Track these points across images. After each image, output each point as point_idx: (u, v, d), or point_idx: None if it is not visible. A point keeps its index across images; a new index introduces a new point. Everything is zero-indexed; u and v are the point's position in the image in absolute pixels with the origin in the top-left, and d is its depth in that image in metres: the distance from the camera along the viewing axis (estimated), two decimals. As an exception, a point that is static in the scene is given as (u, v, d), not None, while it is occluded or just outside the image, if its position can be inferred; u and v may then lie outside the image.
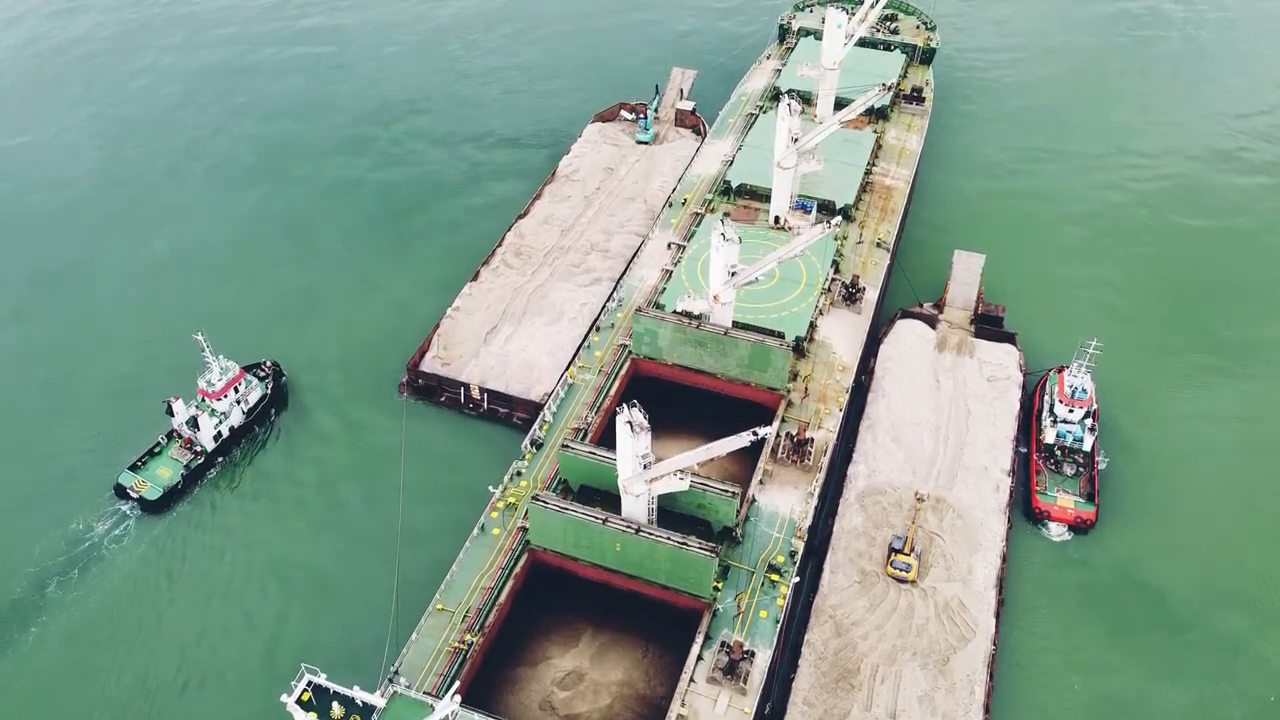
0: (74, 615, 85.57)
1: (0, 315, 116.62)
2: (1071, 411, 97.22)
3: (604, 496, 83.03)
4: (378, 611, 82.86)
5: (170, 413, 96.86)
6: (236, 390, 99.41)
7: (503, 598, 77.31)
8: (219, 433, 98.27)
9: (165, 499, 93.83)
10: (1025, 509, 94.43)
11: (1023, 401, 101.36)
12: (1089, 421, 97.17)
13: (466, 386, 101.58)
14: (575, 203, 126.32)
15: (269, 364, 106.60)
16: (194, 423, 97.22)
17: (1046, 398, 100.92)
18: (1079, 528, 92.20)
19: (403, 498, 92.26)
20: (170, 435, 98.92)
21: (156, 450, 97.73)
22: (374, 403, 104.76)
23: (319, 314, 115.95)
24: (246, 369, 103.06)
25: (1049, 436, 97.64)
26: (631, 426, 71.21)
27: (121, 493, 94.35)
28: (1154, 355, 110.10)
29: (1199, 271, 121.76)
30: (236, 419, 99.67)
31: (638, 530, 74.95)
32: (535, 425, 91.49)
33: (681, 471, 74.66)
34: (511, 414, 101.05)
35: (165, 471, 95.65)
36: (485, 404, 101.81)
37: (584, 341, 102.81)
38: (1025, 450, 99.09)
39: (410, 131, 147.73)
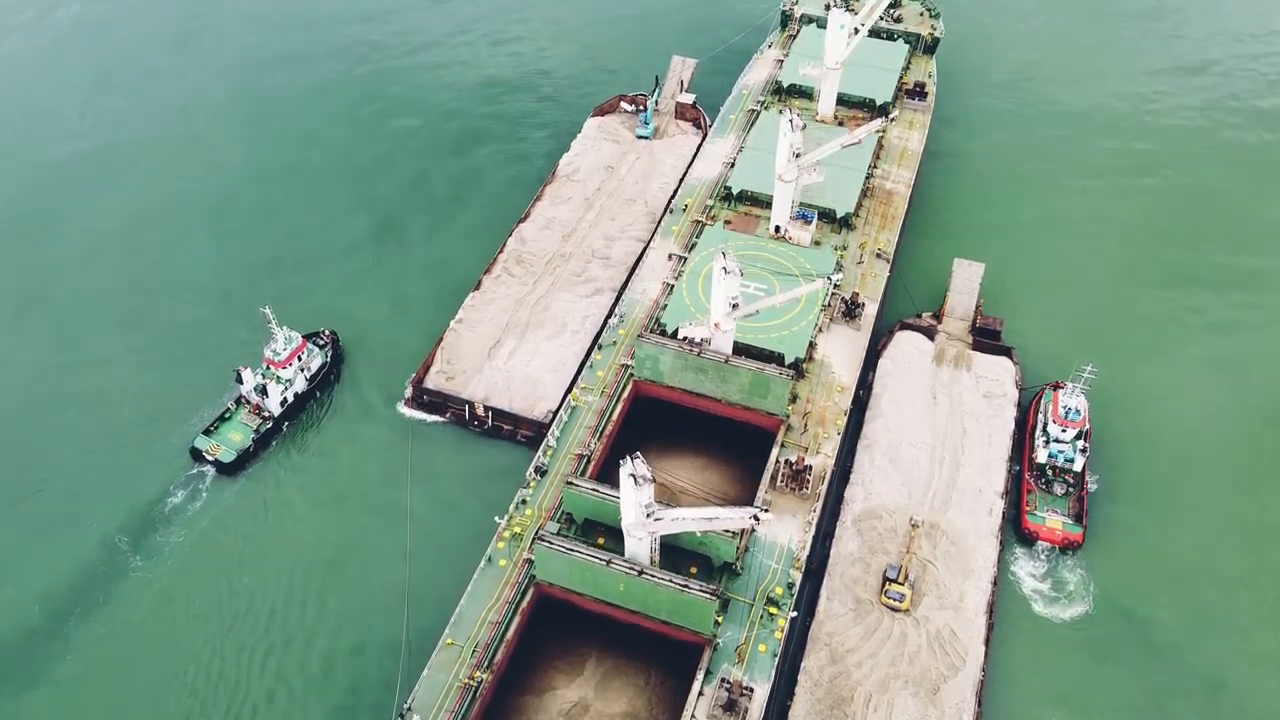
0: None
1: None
2: (1064, 431, 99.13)
3: (607, 529, 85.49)
4: (390, 635, 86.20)
5: (240, 380, 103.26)
6: (300, 359, 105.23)
7: (510, 633, 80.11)
8: (285, 399, 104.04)
9: (239, 461, 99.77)
10: (1016, 529, 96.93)
11: (1018, 418, 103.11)
12: (1080, 442, 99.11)
13: (471, 404, 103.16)
14: (575, 205, 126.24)
15: (327, 333, 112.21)
16: (262, 390, 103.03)
17: (1041, 416, 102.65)
18: (1067, 548, 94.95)
19: (410, 522, 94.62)
20: (238, 401, 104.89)
21: (226, 416, 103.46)
22: (382, 415, 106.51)
23: (324, 320, 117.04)
24: (306, 337, 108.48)
25: (1041, 456, 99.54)
26: (635, 479, 73.04)
27: (197, 455, 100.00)
28: (1153, 371, 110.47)
29: (1206, 284, 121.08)
30: (300, 386, 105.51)
31: (640, 572, 77.34)
32: (539, 451, 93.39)
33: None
34: (516, 431, 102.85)
35: (236, 435, 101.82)
36: (490, 421, 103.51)
37: (586, 360, 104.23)
38: (1018, 468, 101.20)
39: (409, 129, 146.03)
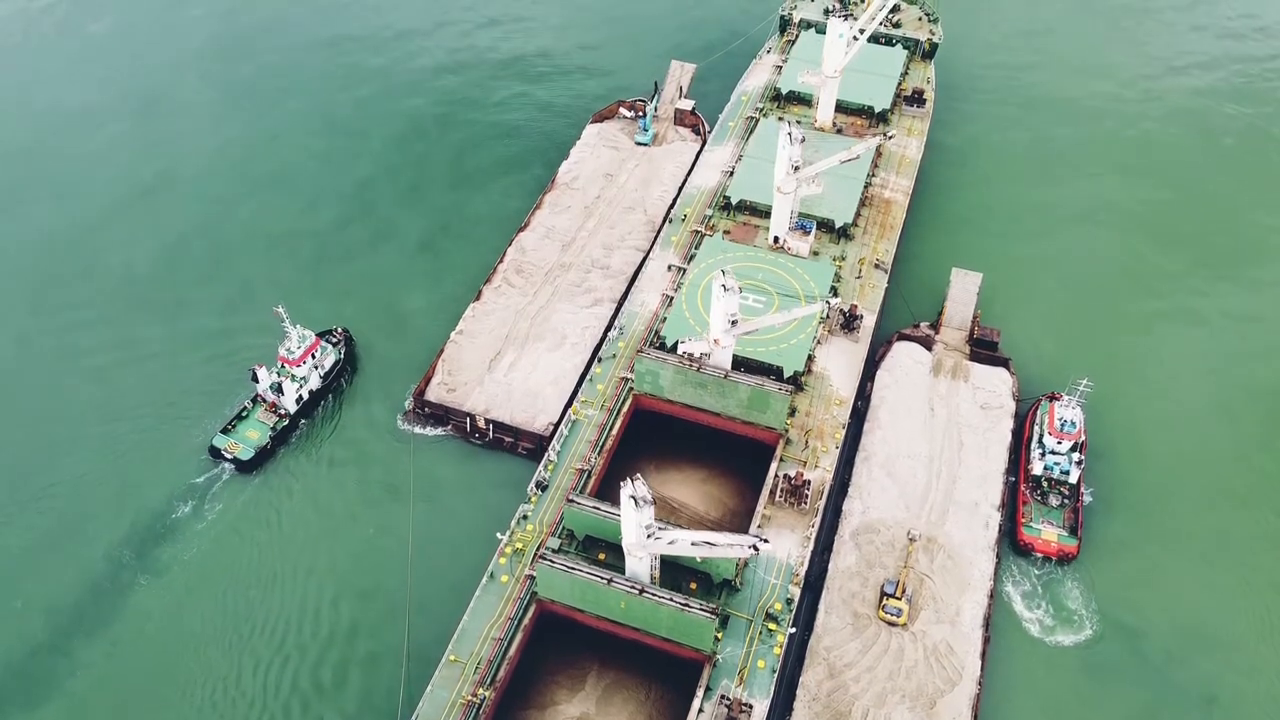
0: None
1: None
2: (1060, 444, 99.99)
3: (608, 545, 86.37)
4: (394, 651, 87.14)
5: (255, 379, 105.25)
6: (314, 356, 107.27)
7: (512, 650, 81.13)
8: (300, 396, 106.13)
9: (257, 459, 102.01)
10: (1011, 540, 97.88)
11: (1015, 429, 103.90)
12: (1076, 454, 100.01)
13: (472, 417, 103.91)
14: (575, 213, 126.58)
15: (340, 330, 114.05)
16: (278, 388, 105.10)
17: (1037, 427, 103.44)
18: (1061, 560, 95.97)
19: (412, 536, 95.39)
20: (255, 400, 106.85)
21: (243, 414, 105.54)
22: (384, 426, 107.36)
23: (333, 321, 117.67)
24: (319, 335, 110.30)
25: (1037, 468, 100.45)
26: (636, 501, 73.90)
27: (216, 454, 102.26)
28: (1149, 384, 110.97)
29: (1205, 298, 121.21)
30: (315, 383, 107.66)
31: (641, 591, 78.32)
32: (540, 466, 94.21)
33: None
34: (516, 444, 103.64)
35: (254, 434, 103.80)
36: (491, 433, 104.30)
37: (586, 373, 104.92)
38: (1014, 479, 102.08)
39: (409, 135, 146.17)
